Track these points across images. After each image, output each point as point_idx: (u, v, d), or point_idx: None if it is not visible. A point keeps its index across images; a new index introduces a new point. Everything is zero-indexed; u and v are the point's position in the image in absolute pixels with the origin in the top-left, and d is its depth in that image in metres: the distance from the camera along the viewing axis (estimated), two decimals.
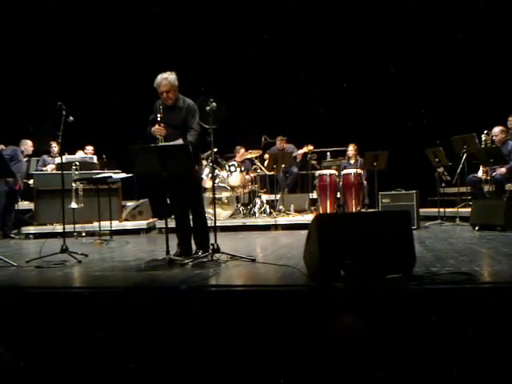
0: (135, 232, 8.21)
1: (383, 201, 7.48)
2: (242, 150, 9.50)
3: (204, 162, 7.94)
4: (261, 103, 9.91)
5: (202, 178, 7.48)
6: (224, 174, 8.60)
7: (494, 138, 7.75)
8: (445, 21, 9.31)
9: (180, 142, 4.57)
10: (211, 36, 9.84)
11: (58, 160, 8.76)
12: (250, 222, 8.28)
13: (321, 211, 8.27)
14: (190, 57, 9.44)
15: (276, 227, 8.08)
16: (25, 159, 8.75)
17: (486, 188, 7.61)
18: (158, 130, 4.59)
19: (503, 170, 7.48)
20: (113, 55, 10.04)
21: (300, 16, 9.81)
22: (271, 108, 9.97)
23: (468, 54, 9.26)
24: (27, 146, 8.77)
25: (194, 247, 4.88)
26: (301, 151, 9.85)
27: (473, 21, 9.10)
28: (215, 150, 5.34)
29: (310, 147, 9.67)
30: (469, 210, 7.30)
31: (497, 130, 7.77)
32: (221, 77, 9.61)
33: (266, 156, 9.50)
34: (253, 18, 9.81)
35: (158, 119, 4.60)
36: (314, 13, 9.83)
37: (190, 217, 4.92)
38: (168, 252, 4.48)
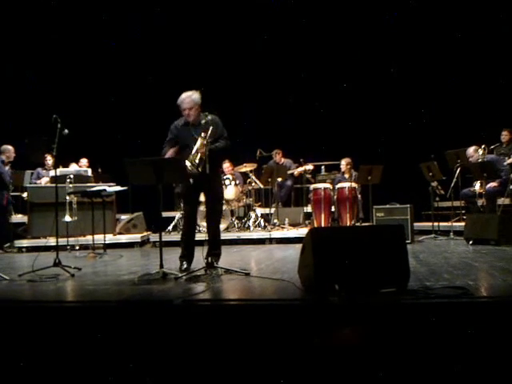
0: (129, 245, 8.17)
1: (377, 215, 7.50)
2: (227, 163, 9.43)
3: None
4: (256, 116, 9.93)
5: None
6: None
7: (470, 159, 7.77)
8: (441, 29, 9.37)
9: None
10: (204, 44, 9.91)
11: (52, 173, 8.69)
12: (244, 235, 8.26)
13: (315, 225, 8.26)
14: (184, 69, 9.49)
15: (270, 241, 8.07)
16: (7, 167, 8.22)
17: (480, 202, 7.65)
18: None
19: (494, 183, 7.53)
20: (108, 67, 10.06)
21: (292, 24, 9.88)
22: (266, 121, 10.01)
23: (462, 68, 9.34)
24: (9, 152, 8.14)
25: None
26: (300, 169, 9.78)
27: (468, 30, 9.18)
28: None
29: (309, 167, 9.65)
30: (463, 224, 7.33)
31: (470, 151, 7.82)
32: (214, 88, 9.65)
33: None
34: (244, 26, 9.88)
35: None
36: (304, 21, 9.91)
37: None
38: (162, 266, 4.46)
